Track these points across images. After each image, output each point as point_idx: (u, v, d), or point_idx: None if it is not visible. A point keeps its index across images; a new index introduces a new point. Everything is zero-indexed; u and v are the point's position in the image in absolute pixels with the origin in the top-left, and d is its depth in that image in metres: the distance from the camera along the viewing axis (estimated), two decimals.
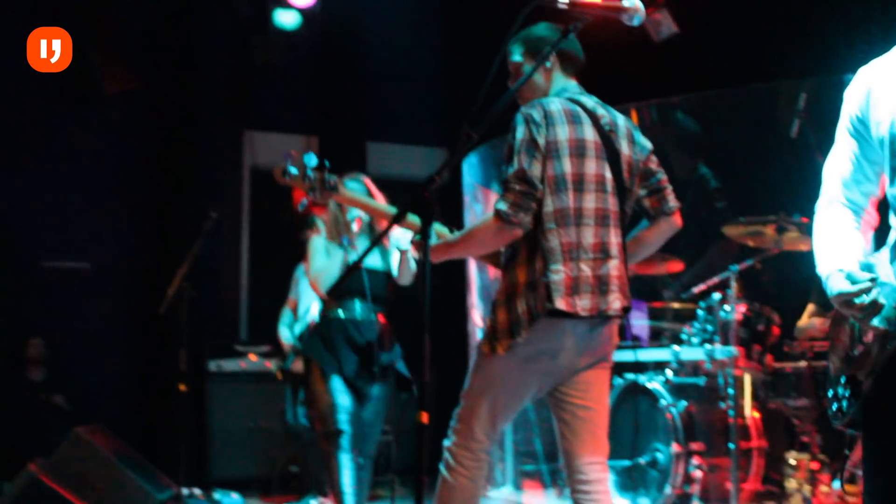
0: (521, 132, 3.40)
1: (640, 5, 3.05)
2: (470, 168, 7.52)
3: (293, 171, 3.92)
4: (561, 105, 3.47)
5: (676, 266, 6.24)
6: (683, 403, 5.59)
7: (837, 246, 2.68)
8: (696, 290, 6.00)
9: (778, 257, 5.71)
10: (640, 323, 6.43)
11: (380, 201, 5.21)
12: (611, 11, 3.04)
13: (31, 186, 8.04)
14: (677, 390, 5.68)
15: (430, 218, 2.83)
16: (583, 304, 3.36)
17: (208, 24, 8.42)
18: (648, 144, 3.64)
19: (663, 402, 5.58)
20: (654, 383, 5.70)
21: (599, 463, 3.53)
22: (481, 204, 7.38)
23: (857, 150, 2.71)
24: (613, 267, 3.44)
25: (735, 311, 5.54)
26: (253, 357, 7.75)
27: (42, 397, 7.70)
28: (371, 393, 5.10)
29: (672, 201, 3.63)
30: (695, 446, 5.48)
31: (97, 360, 8.03)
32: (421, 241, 2.83)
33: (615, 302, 3.43)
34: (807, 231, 5.37)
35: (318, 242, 5.24)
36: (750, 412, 5.61)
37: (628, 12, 3.04)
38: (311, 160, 3.94)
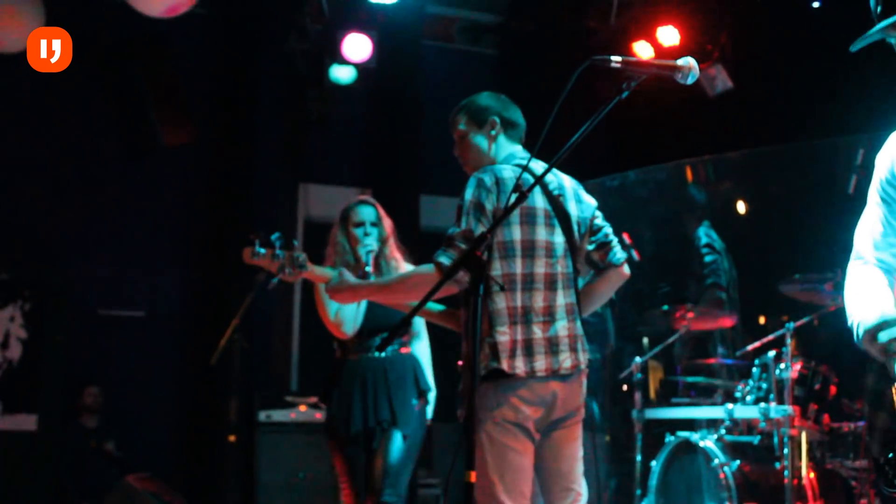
0: (470, 194, 3.53)
1: (695, 64, 3.03)
2: None
3: (261, 251, 3.94)
4: (512, 173, 3.59)
5: (728, 322, 6.18)
6: (737, 463, 5.49)
7: (868, 298, 2.68)
8: (750, 347, 5.93)
9: (835, 314, 5.62)
10: (693, 379, 6.35)
11: (387, 224, 5.00)
12: (664, 70, 3.03)
13: (88, 236, 8.16)
14: (731, 449, 5.58)
15: (482, 276, 2.83)
16: (538, 364, 3.51)
17: (264, 78, 8.54)
18: (593, 202, 3.81)
19: (716, 461, 5.49)
20: (707, 441, 5.61)
21: None
22: None
23: (889, 213, 2.72)
24: (562, 327, 3.58)
25: (791, 368, 5.44)
26: (303, 408, 7.75)
27: (93, 444, 7.76)
28: (400, 430, 4.77)
29: (619, 253, 3.80)
30: None
31: (148, 409, 8.08)
32: (472, 301, 2.82)
33: (566, 361, 3.56)
34: None
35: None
36: (806, 473, 5.48)
37: (682, 71, 3.03)
38: (279, 240, 3.96)
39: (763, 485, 5.48)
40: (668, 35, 7.25)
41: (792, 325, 5.50)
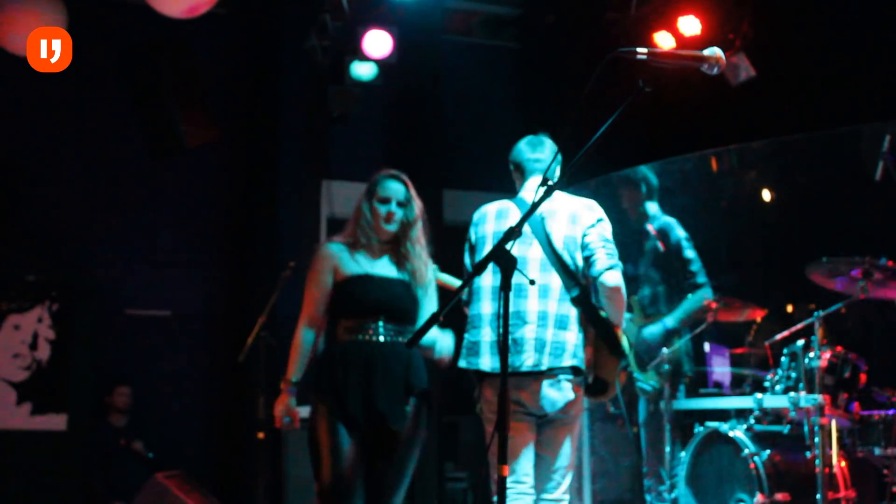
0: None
1: (722, 55, 3.01)
2: None
3: None
4: (496, 206, 4.31)
5: (759, 313, 6.13)
6: (767, 452, 5.47)
7: None
8: (779, 336, 5.89)
9: (864, 302, 5.58)
10: (721, 370, 6.32)
11: (417, 206, 4.49)
12: (691, 61, 3.01)
13: (114, 236, 8.21)
14: (761, 439, 5.56)
15: (512, 271, 2.83)
16: (487, 362, 4.05)
17: (286, 76, 8.56)
18: (588, 220, 4.13)
19: (746, 451, 5.47)
20: (736, 431, 5.59)
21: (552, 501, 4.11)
22: None
23: None
24: (529, 330, 3.99)
25: (820, 357, 5.41)
26: None
27: (122, 443, 7.80)
28: (395, 440, 4.25)
29: (597, 265, 4.05)
30: (780, 496, 5.36)
31: (177, 407, 8.13)
32: (504, 293, 2.82)
33: (528, 360, 3.96)
34: (894, 275, 5.27)
35: (335, 251, 4.40)
36: (837, 461, 5.45)
37: (709, 62, 3.01)
38: None
39: (793, 474, 5.45)
40: (689, 24, 7.19)
41: (820, 313, 5.47)
